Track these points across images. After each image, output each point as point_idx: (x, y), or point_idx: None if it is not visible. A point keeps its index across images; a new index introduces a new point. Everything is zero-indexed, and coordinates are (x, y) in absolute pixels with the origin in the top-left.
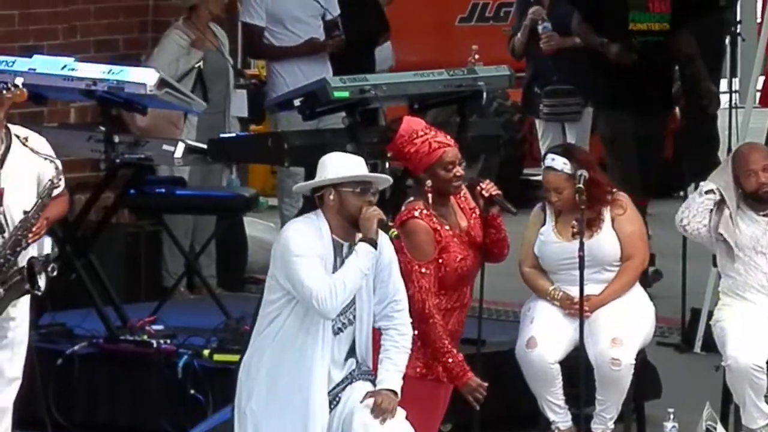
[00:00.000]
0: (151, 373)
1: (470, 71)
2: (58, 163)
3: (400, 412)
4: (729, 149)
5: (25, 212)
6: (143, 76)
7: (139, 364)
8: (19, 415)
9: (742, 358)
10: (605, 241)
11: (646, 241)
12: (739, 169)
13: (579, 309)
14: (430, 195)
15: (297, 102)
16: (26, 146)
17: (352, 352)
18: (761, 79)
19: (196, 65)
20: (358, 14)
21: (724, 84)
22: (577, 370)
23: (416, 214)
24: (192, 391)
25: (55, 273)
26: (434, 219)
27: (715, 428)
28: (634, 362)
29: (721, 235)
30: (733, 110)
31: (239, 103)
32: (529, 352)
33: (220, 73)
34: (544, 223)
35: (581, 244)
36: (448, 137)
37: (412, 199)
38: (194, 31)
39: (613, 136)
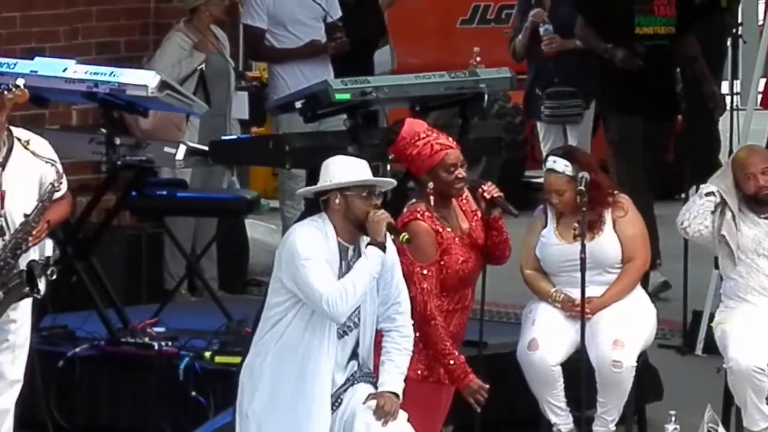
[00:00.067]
0: (153, 375)
1: (471, 73)
2: (59, 166)
3: (402, 415)
4: (730, 151)
5: (26, 215)
6: (144, 79)
7: (141, 366)
8: (21, 417)
9: (744, 361)
10: (606, 243)
11: (648, 242)
12: (738, 172)
13: (580, 311)
14: (432, 197)
15: (298, 104)
16: (27, 149)
17: (354, 355)
18: (762, 81)
19: (199, 67)
20: (358, 18)
21: (725, 86)
22: (579, 373)
23: (418, 215)
24: (193, 393)
25: (54, 276)
26: (436, 221)
27: (717, 430)
28: (635, 364)
29: (724, 237)
30: (735, 112)
31: (240, 106)
32: (531, 354)
33: (222, 76)
34: (545, 225)
35: (582, 246)
36: (450, 139)
37: (414, 200)
38: (195, 33)
39: (623, 141)
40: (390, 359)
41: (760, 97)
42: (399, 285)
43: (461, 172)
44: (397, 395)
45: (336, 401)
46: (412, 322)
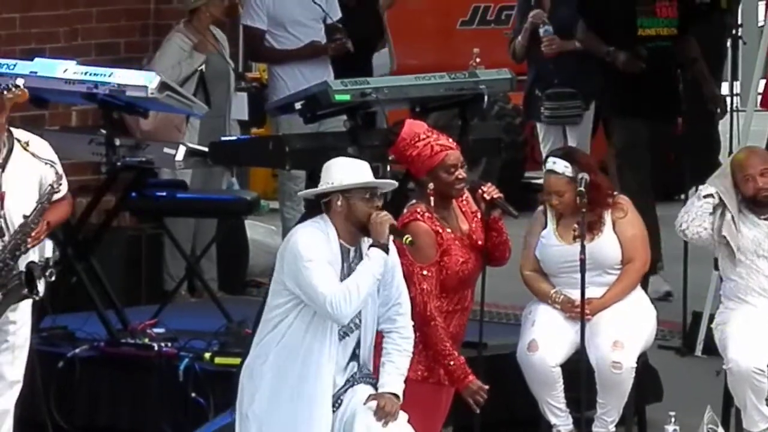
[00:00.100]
0: (152, 376)
1: (471, 74)
2: (59, 167)
3: (402, 416)
4: (730, 152)
5: (25, 216)
6: (144, 80)
7: (140, 367)
8: (20, 418)
9: (744, 362)
10: (606, 244)
11: (647, 244)
12: (737, 174)
13: (580, 312)
14: (432, 198)
15: (298, 105)
16: (27, 150)
17: (353, 356)
18: (762, 82)
19: (199, 68)
20: (358, 19)
21: (725, 87)
22: (578, 374)
23: (418, 216)
24: (193, 395)
25: (53, 278)
26: (436, 221)
27: (717, 431)
28: (635, 365)
29: (724, 238)
30: (734, 113)
31: (239, 106)
32: (531, 355)
33: (222, 77)
34: (545, 226)
35: (582, 247)
36: (450, 140)
37: (414, 201)
38: (195, 34)
39: (628, 144)
40: (390, 360)
41: (759, 98)
42: (399, 286)
43: (461, 173)
44: (397, 396)
45: (336, 402)
46: (412, 323)
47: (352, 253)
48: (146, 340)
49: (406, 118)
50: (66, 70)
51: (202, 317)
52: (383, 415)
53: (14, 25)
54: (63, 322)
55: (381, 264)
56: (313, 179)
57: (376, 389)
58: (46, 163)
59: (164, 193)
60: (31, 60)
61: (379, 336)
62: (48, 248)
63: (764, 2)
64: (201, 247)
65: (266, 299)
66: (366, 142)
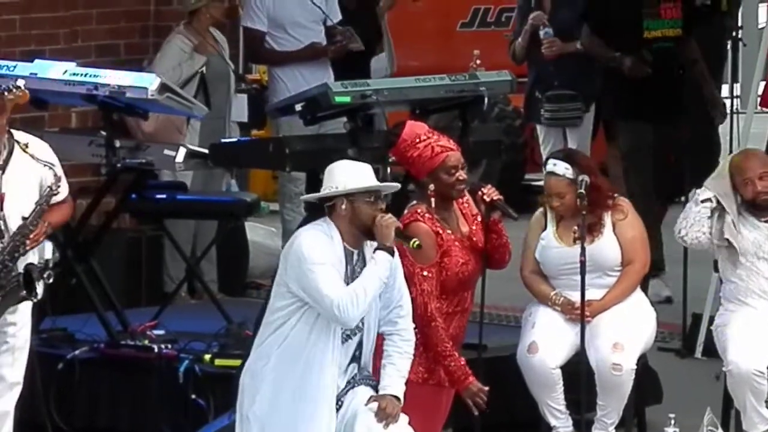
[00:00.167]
0: (152, 378)
1: (472, 76)
2: (57, 169)
3: (403, 418)
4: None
5: (24, 218)
6: (144, 81)
7: (140, 369)
8: (20, 420)
9: (743, 364)
10: (606, 246)
11: (647, 246)
12: (736, 177)
13: (580, 314)
14: (433, 199)
15: (298, 107)
16: (26, 152)
17: (354, 358)
18: (762, 84)
19: (199, 70)
20: (358, 22)
21: (725, 89)
22: (578, 376)
23: (419, 217)
24: (193, 396)
25: (51, 280)
26: (436, 222)
27: None
28: (635, 367)
29: (726, 240)
30: (734, 115)
31: (239, 108)
32: (531, 357)
33: (222, 78)
34: (544, 228)
35: (582, 249)
36: (451, 141)
37: (414, 202)
38: (196, 36)
39: (634, 147)
40: (391, 362)
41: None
42: (401, 288)
43: (462, 174)
44: (398, 398)
45: (336, 403)
46: (413, 325)
47: (355, 256)
48: (146, 342)
49: (407, 119)
50: (66, 71)
51: (202, 319)
52: (384, 416)
53: (14, 26)
54: (63, 324)
55: (387, 267)
56: (314, 181)
57: (377, 391)
58: (44, 165)
59: (164, 195)
60: (31, 61)
61: (380, 338)
62: (47, 250)
63: (765, 4)
64: (201, 248)
65: (267, 301)
66: (366, 144)
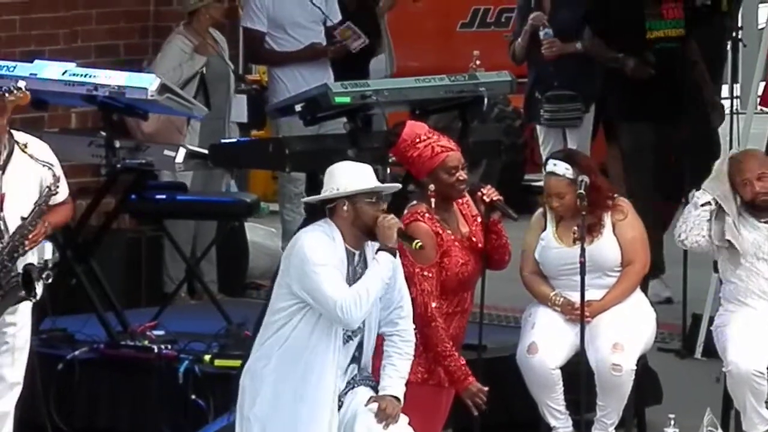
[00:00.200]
0: (152, 379)
1: (471, 77)
2: (57, 170)
3: (403, 418)
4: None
5: (23, 218)
6: (144, 82)
7: (140, 370)
8: (20, 420)
9: (743, 364)
10: (606, 247)
11: (647, 246)
12: (735, 178)
13: (580, 314)
14: (433, 199)
15: (298, 107)
16: (25, 153)
17: (354, 359)
18: (762, 84)
19: (199, 70)
20: (357, 23)
21: (725, 90)
22: (578, 376)
23: (419, 217)
24: (193, 397)
25: (50, 280)
26: (436, 222)
27: None
28: (635, 368)
29: (728, 241)
30: (734, 116)
31: (238, 109)
32: (530, 357)
33: (222, 79)
34: (544, 229)
35: (582, 249)
36: (451, 141)
37: (414, 202)
38: (196, 36)
39: (635, 147)
40: (391, 363)
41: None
42: (402, 289)
43: (462, 174)
44: (398, 399)
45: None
46: (413, 326)
47: (356, 257)
48: (146, 342)
49: (407, 120)
50: (66, 72)
51: (201, 319)
52: (384, 417)
53: (14, 27)
54: (63, 324)
55: (390, 268)
56: (314, 181)
57: (376, 392)
58: (44, 165)
59: (164, 196)
60: (31, 62)
61: (380, 339)
62: (47, 250)
63: (765, 5)
64: (201, 249)
65: (267, 302)
66: (366, 145)
